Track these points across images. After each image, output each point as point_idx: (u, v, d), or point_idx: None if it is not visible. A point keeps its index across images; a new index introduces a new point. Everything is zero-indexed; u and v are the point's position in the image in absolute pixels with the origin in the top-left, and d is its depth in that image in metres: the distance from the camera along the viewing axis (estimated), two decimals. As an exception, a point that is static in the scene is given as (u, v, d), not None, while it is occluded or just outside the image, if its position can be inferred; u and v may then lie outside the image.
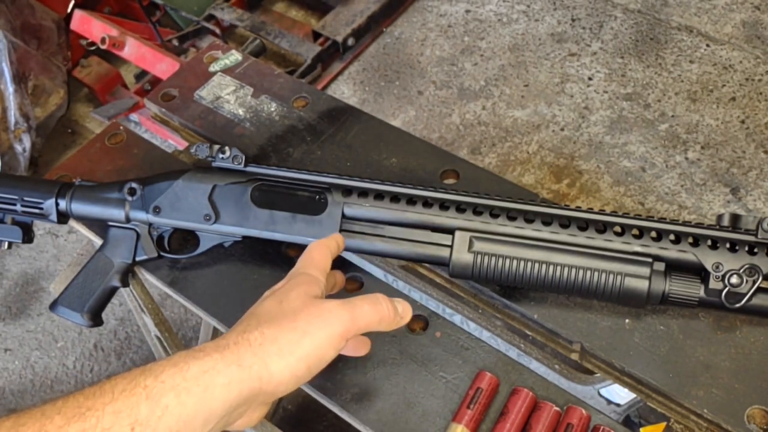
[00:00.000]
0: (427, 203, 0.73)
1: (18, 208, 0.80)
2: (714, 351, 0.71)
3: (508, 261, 0.70)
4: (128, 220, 0.78)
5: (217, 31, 2.05)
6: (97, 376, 1.60)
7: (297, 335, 0.55)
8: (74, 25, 1.97)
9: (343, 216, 0.74)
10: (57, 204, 0.79)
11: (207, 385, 0.50)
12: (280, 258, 0.83)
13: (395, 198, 0.73)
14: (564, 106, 1.96)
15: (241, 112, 0.98)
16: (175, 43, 2.06)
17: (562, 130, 1.91)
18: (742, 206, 1.71)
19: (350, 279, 0.81)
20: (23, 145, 1.81)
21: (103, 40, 1.85)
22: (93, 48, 1.93)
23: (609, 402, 0.75)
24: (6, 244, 0.82)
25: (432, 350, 0.75)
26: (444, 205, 0.72)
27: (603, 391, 0.75)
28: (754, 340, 0.71)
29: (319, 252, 0.65)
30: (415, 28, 2.22)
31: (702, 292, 0.69)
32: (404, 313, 0.63)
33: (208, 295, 0.81)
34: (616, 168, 1.81)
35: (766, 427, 0.66)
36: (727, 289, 0.67)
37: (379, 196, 0.74)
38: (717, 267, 0.68)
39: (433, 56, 2.13)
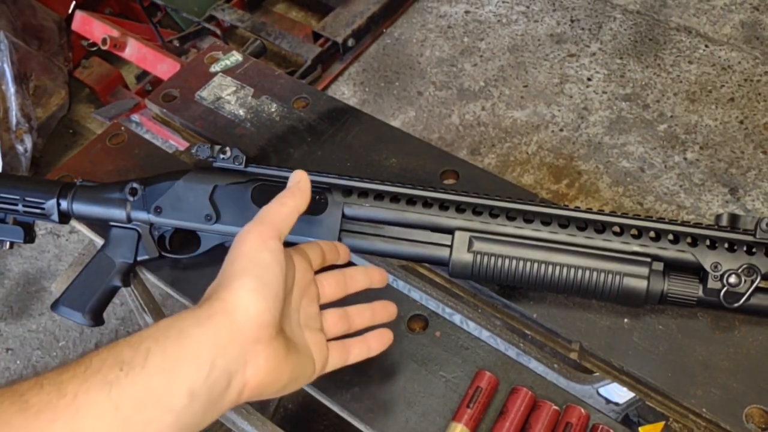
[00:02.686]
0: (426, 203, 0.73)
1: (20, 208, 0.80)
2: (712, 350, 0.71)
3: (507, 261, 0.70)
4: (129, 220, 0.78)
5: (218, 31, 2.05)
6: (98, 376, 1.61)
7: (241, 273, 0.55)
8: (75, 25, 1.97)
9: (344, 216, 0.74)
10: (58, 204, 0.79)
11: (180, 328, 0.51)
12: (280, 258, 0.83)
13: (395, 198, 0.74)
14: (563, 106, 1.97)
15: (241, 112, 0.99)
16: (176, 43, 2.06)
17: (561, 130, 1.91)
18: (740, 206, 1.72)
19: (350, 279, 0.81)
20: (25, 146, 1.82)
21: (104, 41, 1.85)
22: (94, 49, 1.94)
23: (608, 401, 0.76)
24: (8, 244, 0.83)
25: (432, 350, 0.75)
26: (444, 205, 0.73)
27: (602, 390, 0.75)
28: (752, 340, 0.72)
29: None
30: (415, 29, 2.22)
31: (700, 292, 0.69)
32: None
33: (209, 294, 0.81)
34: (615, 168, 1.82)
35: (765, 426, 0.66)
36: (725, 288, 0.68)
37: (379, 196, 0.74)
38: (715, 267, 0.68)
39: (433, 57, 2.13)
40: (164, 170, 0.80)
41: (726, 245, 0.69)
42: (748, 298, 0.68)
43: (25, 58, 1.84)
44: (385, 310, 0.69)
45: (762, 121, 1.87)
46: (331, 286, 0.67)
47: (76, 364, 0.48)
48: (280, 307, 0.56)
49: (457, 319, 0.78)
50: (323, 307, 0.66)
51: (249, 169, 0.77)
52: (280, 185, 0.76)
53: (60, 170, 0.95)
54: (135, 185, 0.77)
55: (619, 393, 0.75)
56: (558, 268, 0.70)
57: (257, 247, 0.57)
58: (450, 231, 0.72)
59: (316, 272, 0.67)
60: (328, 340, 0.65)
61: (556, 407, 0.70)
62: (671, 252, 0.69)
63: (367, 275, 0.69)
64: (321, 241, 0.69)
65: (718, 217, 0.70)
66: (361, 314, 0.68)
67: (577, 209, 0.72)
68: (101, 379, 0.46)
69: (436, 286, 0.80)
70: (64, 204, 0.79)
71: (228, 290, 0.54)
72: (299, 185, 0.63)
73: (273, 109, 0.99)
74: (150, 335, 0.50)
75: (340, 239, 0.74)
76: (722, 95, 1.94)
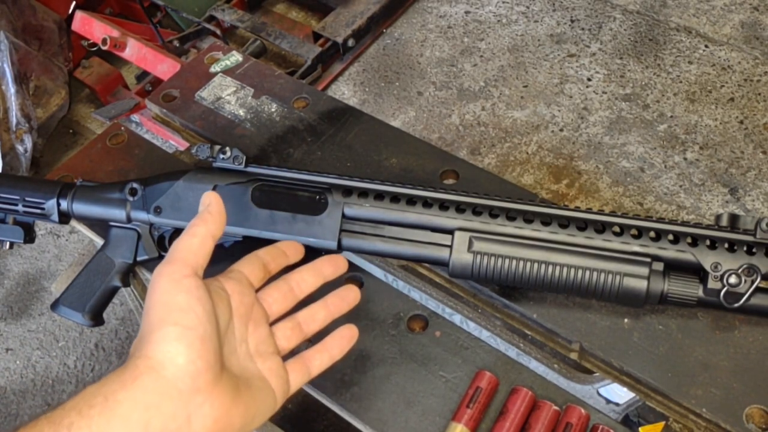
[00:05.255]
0: (426, 203, 0.73)
1: (20, 208, 0.80)
2: (712, 350, 0.71)
3: (507, 261, 0.70)
4: (129, 220, 0.78)
5: (218, 32, 2.05)
6: (98, 376, 1.61)
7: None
8: (75, 26, 1.97)
9: (343, 216, 0.74)
10: (58, 204, 0.79)
11: (105, 395, 0.48)
12: (280, 258, 0.83)
13: (395, 198, 0.74)
14: (563, 106, 1.97)
15: (241, 112, 0.99)
16: (176, 44, 2.06)
17: (561, 130, 1.91)
18: (740, 206, 1.72)
19: (350, 279, 0.81)
20: (25, 146, 1.82)
21: (104, 41, 1.85)
22: (94, 49, 1.94)
23: (608, 401, 0.75)
24: (7, 244, 0.83)
25: (432, 350, 0.75)
26: (444, 206, 0.73)
27: (602, 391, 0.75)
28: (752, 340, 0.72)
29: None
30: (415, 29, 2.22)
31: (701, 292, 0.69)
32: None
33: (209, 294, 0.81)
34: (615, 168, 1.82)
35: (765, 426, 0.66)
36: (725, 288, 0.68)
37: (379, 196, 0.74)
38: (715, 267, 0.68)
39: (433, 57, 2.13)
40: (164, 170, 0.80)
41: (726, 245, 0.69)
42: (748, 298, 0.68)
43: (25, 58, 1.84)
44: (343, 301, 0.65)
45: (762, 121, 1.87)
46: (277, 300, 0.63)
47: None
48: (213, 348, 0.52)
49: (457, 319, 0.78)
50: (273, 322, 0.62)
51: (249, 169, 0.77)
52: (279, 185, 0.76)
53: (60, 170, 0.95)
54: (135, 185, 0.77)
55: (619, 393, 0.75)
56: (558, 268, 0.70)
57: (171, 291, 0.53)
58: (450, 231, 0.72)
59: (259, 288, 0.63)
60: (285, 356, 0.62)
61: (556, 407, 0.70)
62: (671, 252, 0.69)
63: (316, 272, 0.65)
64: (261, 250, 0.65)
65: (718, 217, 0.70)
66: (314, 316, 0.64)
67: (577, 209, 0.72)
68: None
69: (436, 286, 0.80)
70: (64, 204, 0.79)
71: (150, 345, 0.51)
72: (209, 209, 0.59)
73: (273, 109, 0.99)
74: (73, 407, 0.47)
75: (340, 239, 0.74)
76: (722, 95, 1.94)
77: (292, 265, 0.68)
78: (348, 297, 0.66)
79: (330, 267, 0.67)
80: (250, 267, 0.63)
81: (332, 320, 0.65)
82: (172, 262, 0.55)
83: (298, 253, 0.67)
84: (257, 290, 0.63)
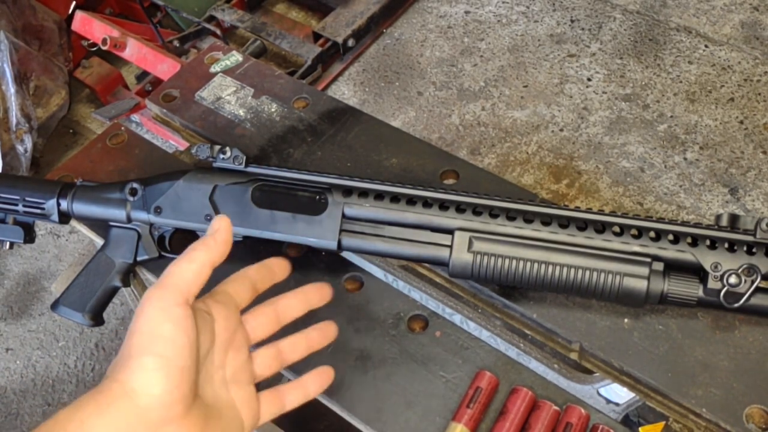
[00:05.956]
0: (426, 203, 0.73)
1: (20, 208, 0.80)
2: (712, 350, 0.71)
3: (507, 261, 0.70)
4: (129, 220, 0.78)
5: (218, 32, 2.05)
6: (98, 376, 1.61)
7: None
8: (75, 26, 1.97)
9: (344, 216, 0.74)
10: (59, 204, 0.79)
11: (81, 420, 0.48)
12: (280, 258, 0.83)
13: (395, 198, 0.74)
14: (563, 106, 1.97)
15: (241, 112, 0.99)
16: (176, 44, 2.06)
17: (562, 130, 1.91)
18: (740, 206, 1.72)
19: (350, 279, 0.81)
20: (25, 146, 1.82)
21: (104, 41, 1.85)
22: (94, 49, 1.94)
23: (608, 401, 0.75)
24: (8, 244, 0.83)
25: (432, 350, 0.75)
26: (444, 206, 0.73)
27: (602, 391, 0.75)
28: (752, 340, 0.72)
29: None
30: (415, 29, 2.22)
31: (701, 292, 0.69)
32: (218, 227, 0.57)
33: (209, 294, 0.81)
34: (615, 168, 1.82)
35: (765, 426, 0.66)
36: (725, 288, 0.68)
37: (379, 196, 0.74)
38: (715, 267, 0.68)
39: (433, 57, 2.13)
40: (164, 170, 0.80)
41: (726, 245, 0.69)
42: (749, 298, 0.68)
43: (25, 58, 1.84)
44: (323, 336, 0.65)
45: (762, 121, 1.87)
46: (262, 325, 0.61)
47: None
48: (189, 380, 0.51)
49: (457, 319, 0.78)
50: (255, 345, 0.62)
51: (249, 169, 0.77)
52: (280, 185, 0.76)
53: (60, 170, 0.95)
54: (135, 185, 0.77)
55: (619, 393, 0.75)
56: (558, 268, 0.70)
57: (158, 320, 0.51)
58: (450, 231, 0.72)
59: (245, 308, 0.62)
60: (260, 384, 0.61)
61: (556, 407, 0.70)
62: (671, 252, 0.69)
63: (303, 299, 0.64)
64: (250, 268, 0.63)
65: (718, 217, 0.70)
66: (295, 347, 0.63)
67: (577, 209, 0.72)
68: None
69: (436, 286, 0.80)
70: (64, 204, 0.79)
71: (127, 371, 0.50)
72: (216, 235, 0.56)
73: (273, 109, 0.99)
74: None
75: (340, 239, 0.74)
76: (722, 95, 1.94)
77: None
78: (328, 332, 0.66)
79: (317, 295, 0.66)
80: (238, 287, 0.61)
81: (311, 353, 0.65)
82: (163, 287, 0.53)
83: (285, 271, 0.66)
84: (243, 311, 0.62)
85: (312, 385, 0.63)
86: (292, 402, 0.63)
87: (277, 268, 0.65)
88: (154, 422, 0.50)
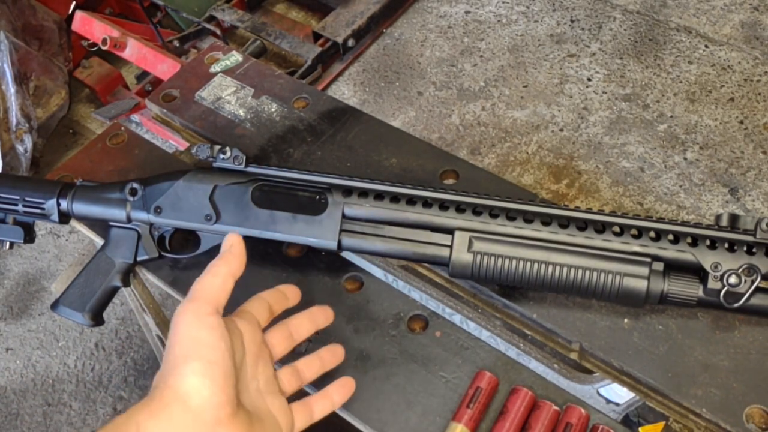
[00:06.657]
0: (426, 203, 0.73)
1: (20, 208, 0.80)
2: (712, 350, 0.71)
3: (507, 261, 0.70)
4: (129, 220, 0.78)
5: (218, 32, 2.05)
6: (98, 376, 1.61)
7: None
8: (75, 26, 1.97)
9: (344, 216, 0.74)
10: (58, 204, 0.79)
11: (137, 423, 0.51)
12: (280, 258, 0.83)
13: (395, 198, 0.74)
14: (563, 106, 1.97)
15: (241, 112, 0.99)
16: (176, 44, 2.06)
17: (561, 130, 1.91)
18: (740, 206, 1.72)
19: (350, 279, 0.81)
20: (25, 146, 1.82)
21: (104, 41, 1.85)
22: (94, 49, 1.94)
23: (608, 401, 0.75)
24: (8, 244, 0.83)
25: (432, 350, 0.75)
26: (443, 205, 0.73)
27: (602, 391, 0.75)
28: (752, 340, 0.72)
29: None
30: (415, 29, 2.22)
31: (701, 292, 0.69)
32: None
33: (209, 294, 0.81)
34: (615, 168, 1.82)
35: (765, 426, 0.66)
36: (725, 288, 0.68)
37: (379, 196, 0.74)
38: (715, 267, 0.68)
39: (433, 57, 2.13)
40: (164, 170, 0.80)
41: (726, 245, 0.69)
42: (748, 298, 0.68)
43: (25, 58, 1.84)
44: (333, 356, 0.69)
45: (762, 121, 1.87)
46: (280, 343, 0.66)
47: None
48: (233, 384, 0.55)
49: (457, 319, 0.78)
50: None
51: (249, 169, 0.77)
52: (280, 185, 0.76)
53: (60, 170, 0.95)
54: (135, 185, 0.77)
55: (619, 393, 0.75)
56: (558, 268, 0.70)
57: (195, 327, 0.56)
58: (450, 231, 0.72)
59: (264, 328, 0.65)
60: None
61: (556, 407, 0.70)
62: (671, 252, 0.69)
63: (311, 320, 0.69)
64: (265, 293, 0.68)
65: (718, 217, 0.70)
66: (310, 366, 0.67)
67: (577, 209, 0.72)
68: None
69: (436, 286, 0.80)
70: (64, 204, 0.79)
71: (176, 377, 0.53)
72: (232, 250, 0.63)
73: (273, 109, 0.99)
74: None
75: (340, 239, 0.74)
76: (722, 95, 1.94)
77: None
78: (337, 353, 0.70)
79: (322, 316, 0.70)
80: (258, 307, 0.66)
81: (324, 372, 0.69)
82: (195, 300, 0.58)
83: (296, 297, 0.71)
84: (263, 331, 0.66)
85: (336, 395, 0.67)
86: (320, 412, 0.66)
87: (290, 293, 0.70)
88: (208, 423, 0.53)
